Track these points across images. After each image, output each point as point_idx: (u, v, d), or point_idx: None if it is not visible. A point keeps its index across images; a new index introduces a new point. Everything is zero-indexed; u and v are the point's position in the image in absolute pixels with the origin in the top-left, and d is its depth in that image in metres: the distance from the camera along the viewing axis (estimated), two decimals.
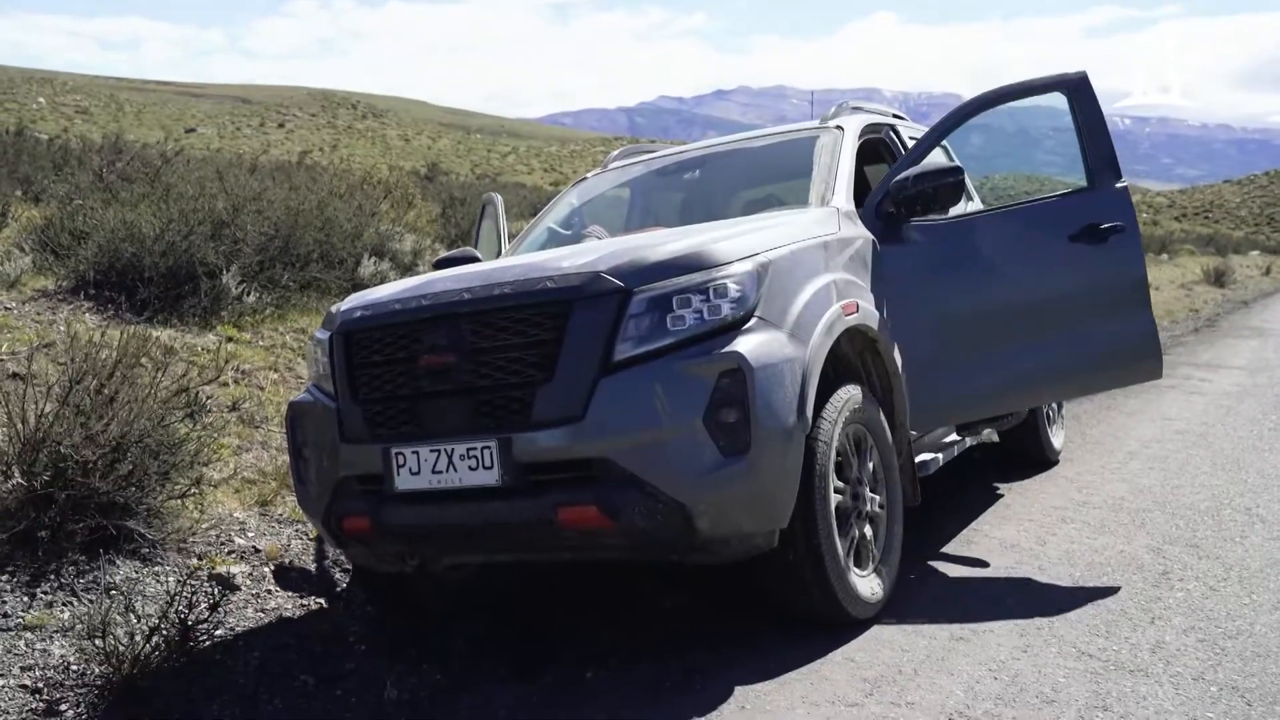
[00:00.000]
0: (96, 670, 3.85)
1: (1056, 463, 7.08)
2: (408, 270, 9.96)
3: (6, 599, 4.36)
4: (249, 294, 8.47)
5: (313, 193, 10.06)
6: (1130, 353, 5.05)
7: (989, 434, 6.69)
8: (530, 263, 4.29)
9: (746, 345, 3.75)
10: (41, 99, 72.17)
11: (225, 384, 7.03)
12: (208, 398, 6.23)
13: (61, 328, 7.17)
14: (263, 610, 4.72)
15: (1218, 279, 24.13)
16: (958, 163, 5.73)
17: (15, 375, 6.04)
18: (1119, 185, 5.05)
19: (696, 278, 3.85)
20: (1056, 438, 7.19)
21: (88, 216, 8.67)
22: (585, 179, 6.52)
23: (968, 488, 6.44)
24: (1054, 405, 7.18)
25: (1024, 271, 5.07)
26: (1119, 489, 6.33)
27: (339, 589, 5.02)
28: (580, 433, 3.70)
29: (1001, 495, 6.31)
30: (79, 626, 4.09)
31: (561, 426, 3.72)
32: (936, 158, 5.35)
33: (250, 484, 5.90)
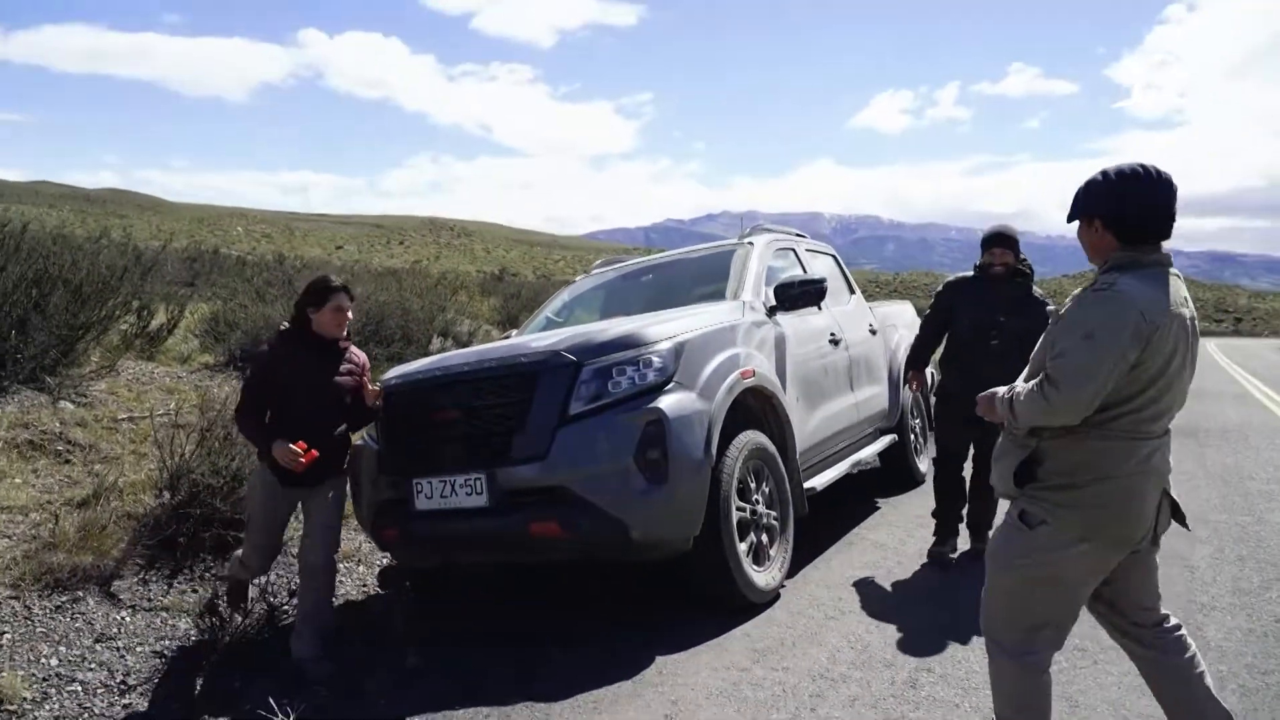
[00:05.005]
0: (207, 639, 3.73)
1: (923, 482, 6.80)
2: (465, 345, 9.88)
3: (152, 587, 4.25)
4: None
5: (398, 292, 10.02)
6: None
7: (873, 459, 6.46)
8: (514, 343, 4.19)
9: (666, 402, 3.64)
10: (240, 227, 73.25)
11: None
12: None
13: (214, 390, 7.11)
14: (335, 596, 4.57)
15: None
16: (822, 275, 5.63)
17: (176, 425, 5.96)
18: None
19: (630, 353, 3.74)
20: (922, 463, 6.94)
21: (238, 312, 8.66)
22: (574, 281, 6.41)
23: (854, 501, 6.24)
24: (919, 437, 6.94)
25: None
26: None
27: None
28: (546, 467, 3.59)
29: (879, 507, 6.10)
30: (198, 609, 3.98)
31: (532, 463, 3.62)
32: (796, 271, 5.43)
33: None
